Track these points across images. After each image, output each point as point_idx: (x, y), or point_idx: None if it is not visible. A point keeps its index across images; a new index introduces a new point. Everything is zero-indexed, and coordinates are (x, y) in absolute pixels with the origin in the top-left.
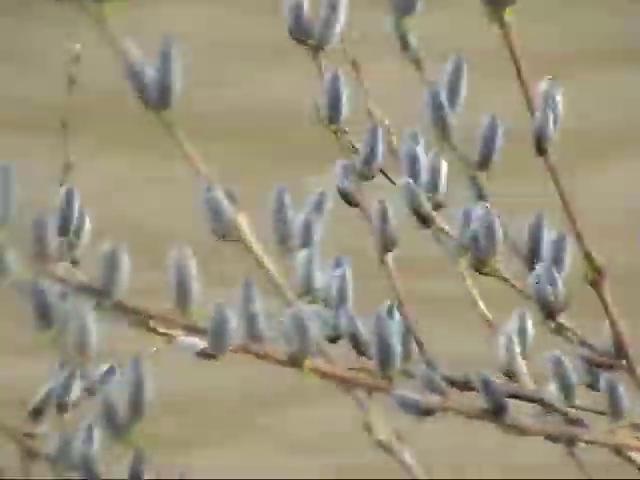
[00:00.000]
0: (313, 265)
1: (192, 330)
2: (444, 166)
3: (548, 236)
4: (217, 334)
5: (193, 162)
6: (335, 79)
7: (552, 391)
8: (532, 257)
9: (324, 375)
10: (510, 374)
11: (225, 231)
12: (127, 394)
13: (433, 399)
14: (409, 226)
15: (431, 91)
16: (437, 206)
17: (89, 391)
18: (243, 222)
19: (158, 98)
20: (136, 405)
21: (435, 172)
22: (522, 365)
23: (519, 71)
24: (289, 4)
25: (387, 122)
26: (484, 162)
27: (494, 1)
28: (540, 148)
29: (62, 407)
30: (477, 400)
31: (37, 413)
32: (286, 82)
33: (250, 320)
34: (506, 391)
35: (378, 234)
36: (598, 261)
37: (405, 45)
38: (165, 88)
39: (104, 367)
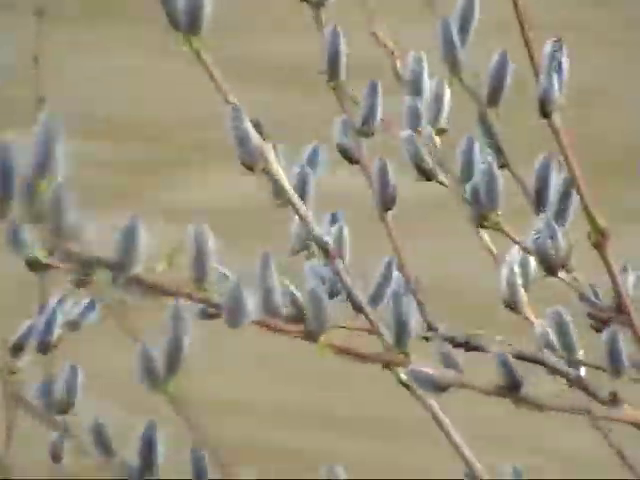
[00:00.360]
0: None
1: (208, 305)
2: (447, 91)
3: (556, 180)
4: (233, 309)
5: (221, 89)
6: (334, 35)
7: (554, 346)
8: (539, 202)
9: (340, 350)
10: (512, 305)
11: (251, 158)
12: (166, 345)
13: (449, 375)
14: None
15: (442, 26)
16: (440, 131)
17: (71, 326)
18: (269, 151)
19: (188, 23)
20: (174, 358)
21: (439, 97)
22: (524, 296)
23: (522, 28)
24: None
25: (391, 45)
26: (494, 97)
27: None
28: (544, 112)
29: (44, 345)
30: (488, 370)
31: (18, 349)
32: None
33: (267, 295)
34: (510, 353)
35: (378, 192)
36: (601, 223)
37: None
38: (196, 13)
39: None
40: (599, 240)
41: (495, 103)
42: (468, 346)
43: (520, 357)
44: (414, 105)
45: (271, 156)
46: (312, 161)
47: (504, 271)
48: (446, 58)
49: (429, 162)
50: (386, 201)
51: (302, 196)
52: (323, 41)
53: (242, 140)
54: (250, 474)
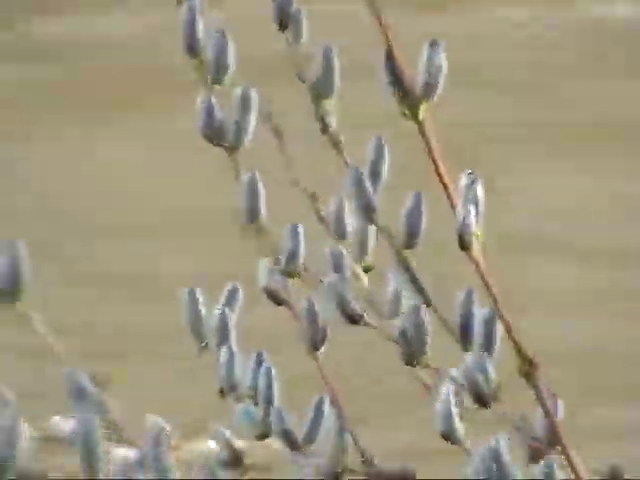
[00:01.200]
0: (234, 362)
1: None
2: (372, 231)
3: (479, 315)
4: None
5: None
6: (253, 181)
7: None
8: (465, 337)
9: None
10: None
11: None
12: None
13: None
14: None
15: (353, 174)
16: (367, 269)
17: None
18: None
19: None
20: None
21: (363, 236)
22: (460, 427)
23: (437, 167)
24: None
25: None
26: (410, 240)
27: (409, 98)
28: (463, 243)
29: None
30: None
31: None
32: None
33: None
34: None
35: (307, 332)
36: (529, 353)
37: (325, 127)
38: None
39: None
40: (528, 370)
41: (412, 245)
42: None
43: None
44: (338, 250)
45: None
46: (231, 301)
47: (438, 404)
48: (359, 205)
49: (354, 307)
50: (315, 341)
51: (223, 338)
52: (241, 188)
53: None
54: None
